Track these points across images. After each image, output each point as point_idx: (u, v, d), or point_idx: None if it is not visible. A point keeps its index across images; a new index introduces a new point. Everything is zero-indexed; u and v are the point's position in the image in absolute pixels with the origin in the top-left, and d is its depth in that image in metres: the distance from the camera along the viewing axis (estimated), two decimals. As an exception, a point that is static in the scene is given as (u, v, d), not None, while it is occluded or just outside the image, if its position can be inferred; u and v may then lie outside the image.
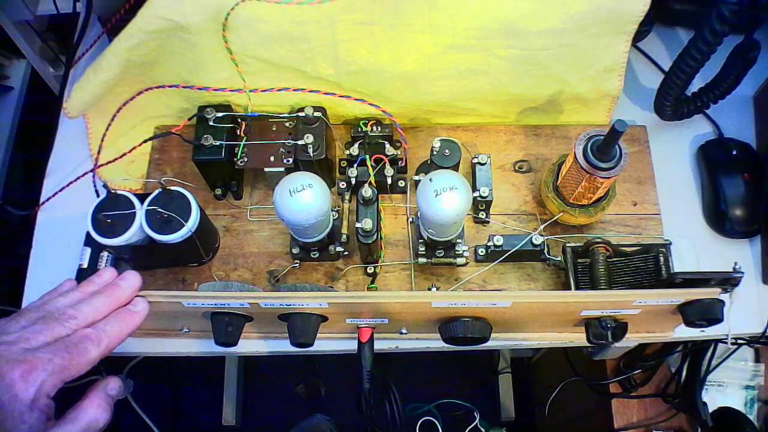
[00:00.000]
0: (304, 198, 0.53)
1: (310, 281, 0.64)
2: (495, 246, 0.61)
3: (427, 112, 0.69)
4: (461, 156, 0.62)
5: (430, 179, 0.53)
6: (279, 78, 0.63)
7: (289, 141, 0.63)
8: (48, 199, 0.69)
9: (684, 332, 0.59)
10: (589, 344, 0.57)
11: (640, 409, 0.87)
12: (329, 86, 0.64)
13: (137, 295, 0.47)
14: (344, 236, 0.63)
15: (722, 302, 0.51)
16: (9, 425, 0.36)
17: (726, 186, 0.66)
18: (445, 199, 0.52)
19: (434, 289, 0.62)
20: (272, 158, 0.63)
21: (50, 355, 0.38)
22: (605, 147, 0.55)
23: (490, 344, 0.57)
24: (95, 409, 0.41)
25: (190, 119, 0.65)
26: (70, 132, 0.72)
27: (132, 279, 0.47)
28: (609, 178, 0.56)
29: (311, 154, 0.62)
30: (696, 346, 0.80)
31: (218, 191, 0.67)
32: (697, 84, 0.65)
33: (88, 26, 0.72)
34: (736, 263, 0.54)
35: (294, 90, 0.64)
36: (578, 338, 0.60)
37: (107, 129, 0.68)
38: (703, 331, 0.59)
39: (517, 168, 0.69)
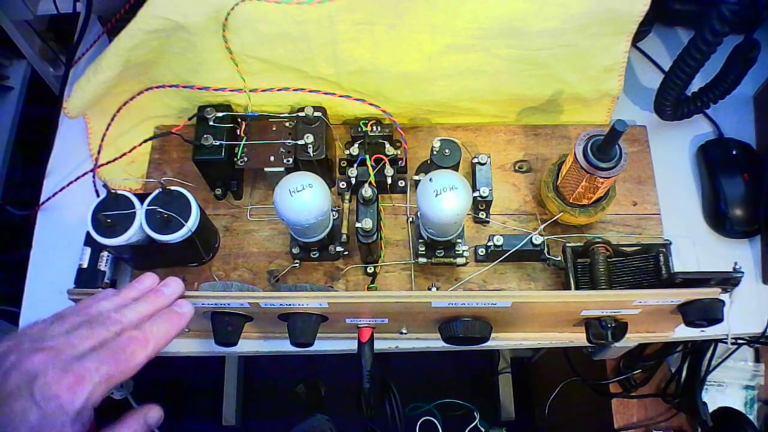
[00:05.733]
0: (304, 198, 0.53)
1: (310, 281, 0.64)
2: (495, 246, 0.61)
3: (427, 112, 0.69)
4: (461, 156, 0.62)
5: (430, 179, 0.53)
6: (279, 78, 0.63)
7: (289, 141, 0.63)
8: (48, 199, 0.69)
9: (684, 332, 0.59)
10: (589, 344, 0.57)
11: (640, 409, 0.87)
12: (329, 86, 0.64)
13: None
14: (344, 236, 0.63)
15: (722, 302, 0.51)
16: None
17: (726, 186, 0.66)
18: (445, 199, 0.52)
19: (434, 289, 0.62)
20: (272, 158, 0.63)
21: (97, 363, 0.37)
22: (605, 147, 0.55)
23: (490, 344, 0.57)
24: None
25: (190, 119, 0.65)
26: (70, 132, 0.72)
27: (174, 285, 0.46)
28: (609, 178, 0.56)
29: (311, 154, 0.62)
30: (696, 346, 0.80)
31: (218, 191, 0.67)
32: (697, 84, 0.65)
33: (88, 26, 0.72)
34: (736, 263, 0.54)
35: (294, 90, 0.64)
36: (578, 338, 0.60)
37: (107, 129, 0.68)
38: (703, 331, 0.59)
39: (517, 168, 0.69)
